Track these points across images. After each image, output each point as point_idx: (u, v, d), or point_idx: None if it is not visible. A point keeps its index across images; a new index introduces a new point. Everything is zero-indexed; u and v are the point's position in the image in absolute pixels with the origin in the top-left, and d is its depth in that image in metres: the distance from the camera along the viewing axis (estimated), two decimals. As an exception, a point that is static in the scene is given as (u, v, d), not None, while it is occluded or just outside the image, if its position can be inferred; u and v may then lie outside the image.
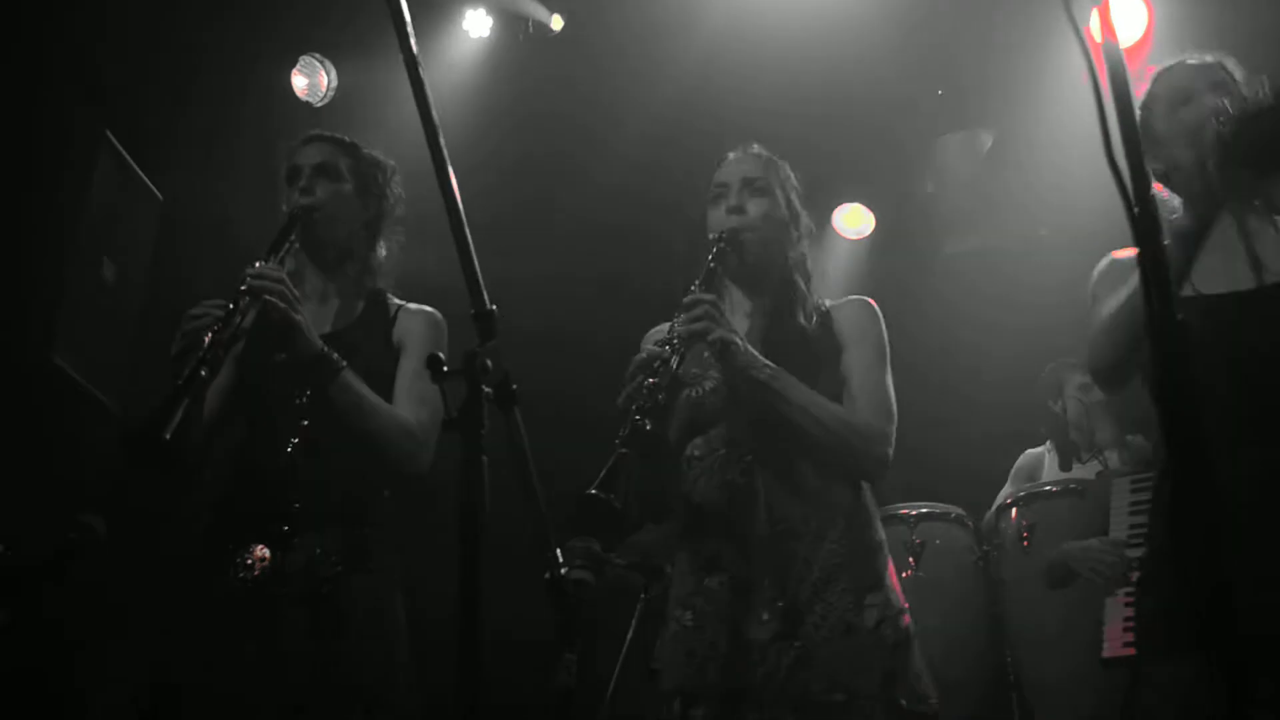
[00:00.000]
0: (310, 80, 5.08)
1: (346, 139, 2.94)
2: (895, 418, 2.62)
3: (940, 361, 5.82)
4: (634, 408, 2.35)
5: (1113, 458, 4.38)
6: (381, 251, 2.95)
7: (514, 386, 1.64)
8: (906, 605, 2.55)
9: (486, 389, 1.59)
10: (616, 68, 5.31)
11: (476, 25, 5.38)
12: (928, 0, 5.08)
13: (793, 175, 2.85)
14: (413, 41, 1.69)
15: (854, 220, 6.31)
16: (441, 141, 1.69)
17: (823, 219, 6.25)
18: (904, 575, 4.27)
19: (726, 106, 5.20)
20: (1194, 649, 2.04)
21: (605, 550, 2.76)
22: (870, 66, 5.30)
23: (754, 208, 2.73)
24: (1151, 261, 1.36)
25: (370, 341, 2.80)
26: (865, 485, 2.66)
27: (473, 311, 1.64)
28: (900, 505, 4.46)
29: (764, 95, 5.22)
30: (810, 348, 2.66)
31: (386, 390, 2.72)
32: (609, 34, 5.28)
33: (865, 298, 2.79)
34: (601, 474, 2.24)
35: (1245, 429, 2.18)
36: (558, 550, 1.69)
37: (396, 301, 2.91)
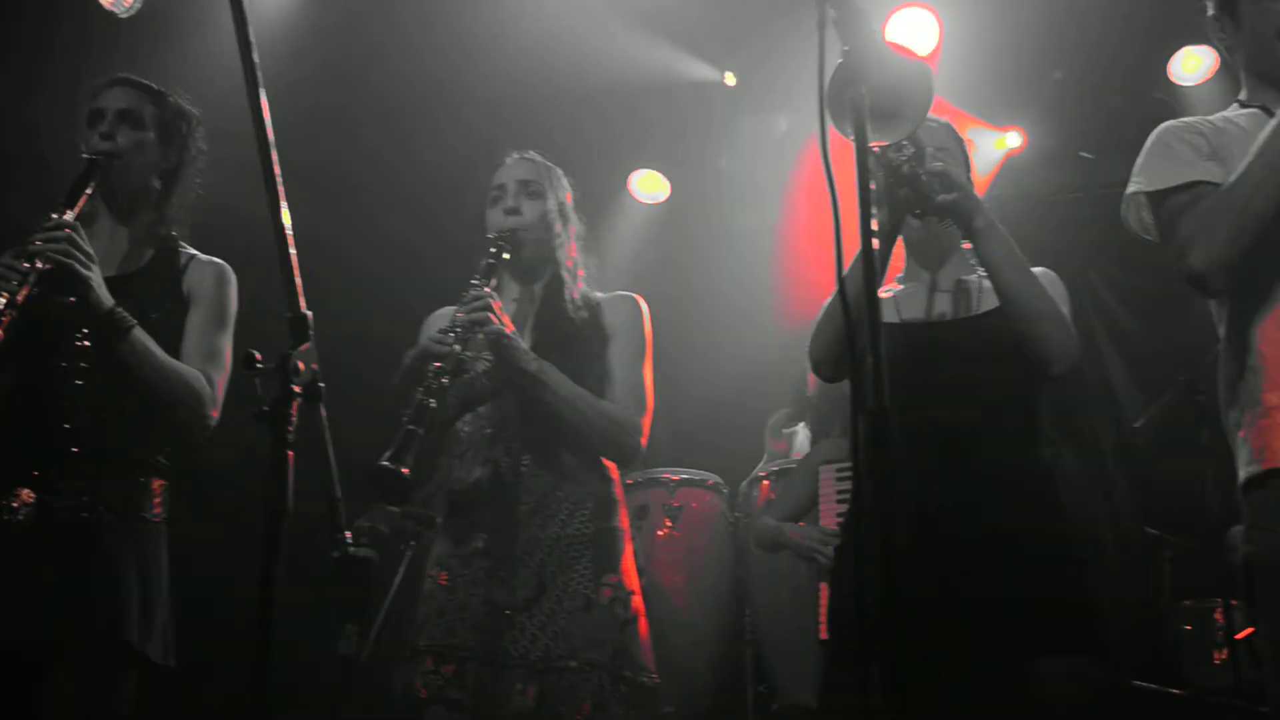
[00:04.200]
0: (116, -15, 4.90)
1: (154, 85, 2.93)
2: (649, 409, 2.90)
3: (718, 331, 6.16)
4: (421, 389, 2.57)
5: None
6: (178, 200, 2.95)
7: (321, 385, 1.79)
8: (637, 589, 2.83)
9: (296, 388, 1.74)
10: (425, 31, 5.33)
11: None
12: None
13: (567, 180, 3.10)
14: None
15: (650, 186, 6.56)
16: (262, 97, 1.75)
17: (621, 182, 6.50)
18: (660, 534, 4.60)
19: (537, 73, 5.36)
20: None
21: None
22: (676, 44, 5.55)
23: (529, 210, 2.98)
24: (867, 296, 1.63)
25: (158, 290, 2.82)
26: (614, 476, 2.92)
27: (288, 315, 1.77)
28: (663, 469, 4.75)
29: (574, 61, 5.41)
30: (577, 337, 2.91)
31: (173, 340, 2.75)
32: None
33: (633, 294, 3.05)
34: (392, 447, 2.45)
35: (923, 458, 2.47)
36: (346, 532, 1.87)
37: (189, 251, 2.93)
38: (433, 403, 2.57)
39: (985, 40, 5.64)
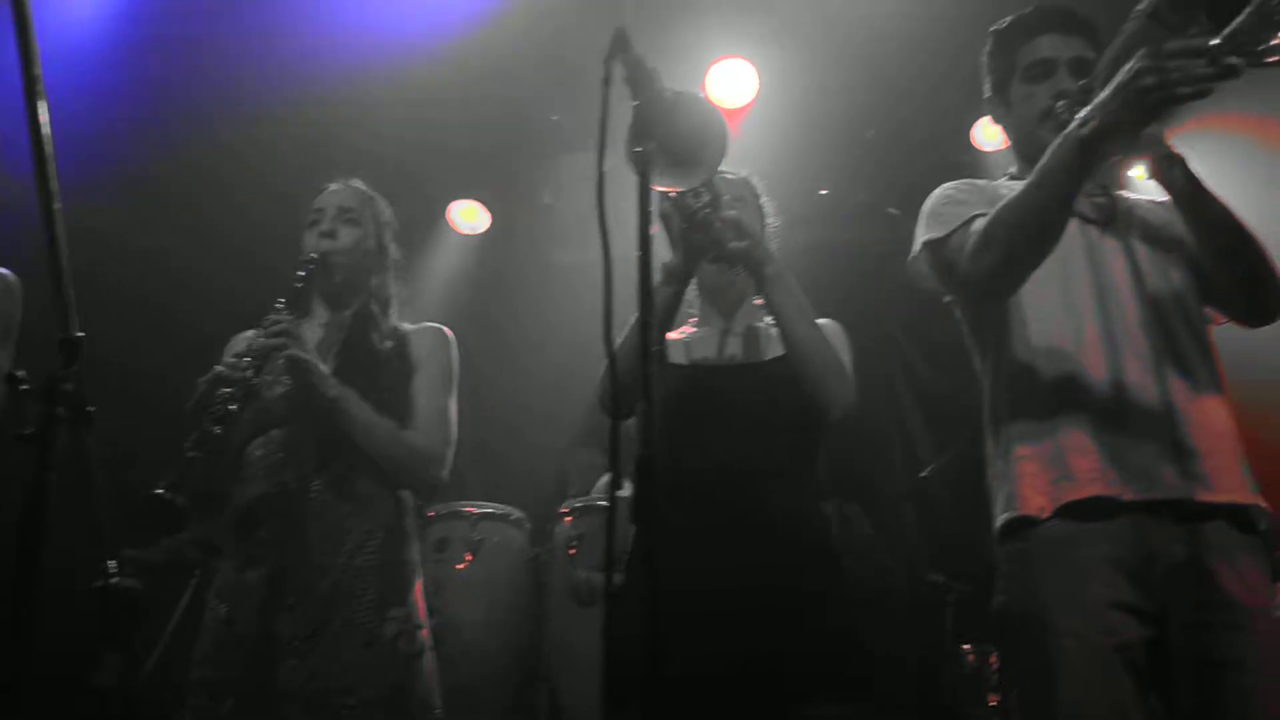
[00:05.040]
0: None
1: None
2: (453, 442, 2.89)
3: (532, 366, 6.17)
4: (207, 415, 2.51)
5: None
6: None
7: (90, 409, 1.74)
8: (425, 624, 2.81)
9: (61, 411, 1.69)
10: (251, 53, 5.23)
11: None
12: (560, 33, 5.35)
13: (388, 211, 3.09)
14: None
15: (469, 216, 6.56)
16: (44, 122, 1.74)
17: (440, 211, 6.49)
18: (459, 568, 4.57)
19: (362, 94, 5.33)
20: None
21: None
22: (504, 78, 5.57)
23: (345, 236, 2.96)
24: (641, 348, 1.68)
25: None
26: (409, 507, 2.90)
27: (60, 337, 1.73)
28: (465, 503, 4.73)
29: (397, 89, 5.40)
30: (382, 367, 2.89)
31: None
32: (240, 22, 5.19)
33: (441, 326, 3.05)
34: (169, 476, 2.38)
35: (704, 498, 2.57)
36: (110, 561, 1.82)
37: None
38: (218, 430, 2.52)
39: (802, 95, 5.82)
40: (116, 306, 4.36)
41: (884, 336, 6.30)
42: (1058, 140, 2.19)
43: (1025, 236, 2.22)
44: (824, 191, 6.46)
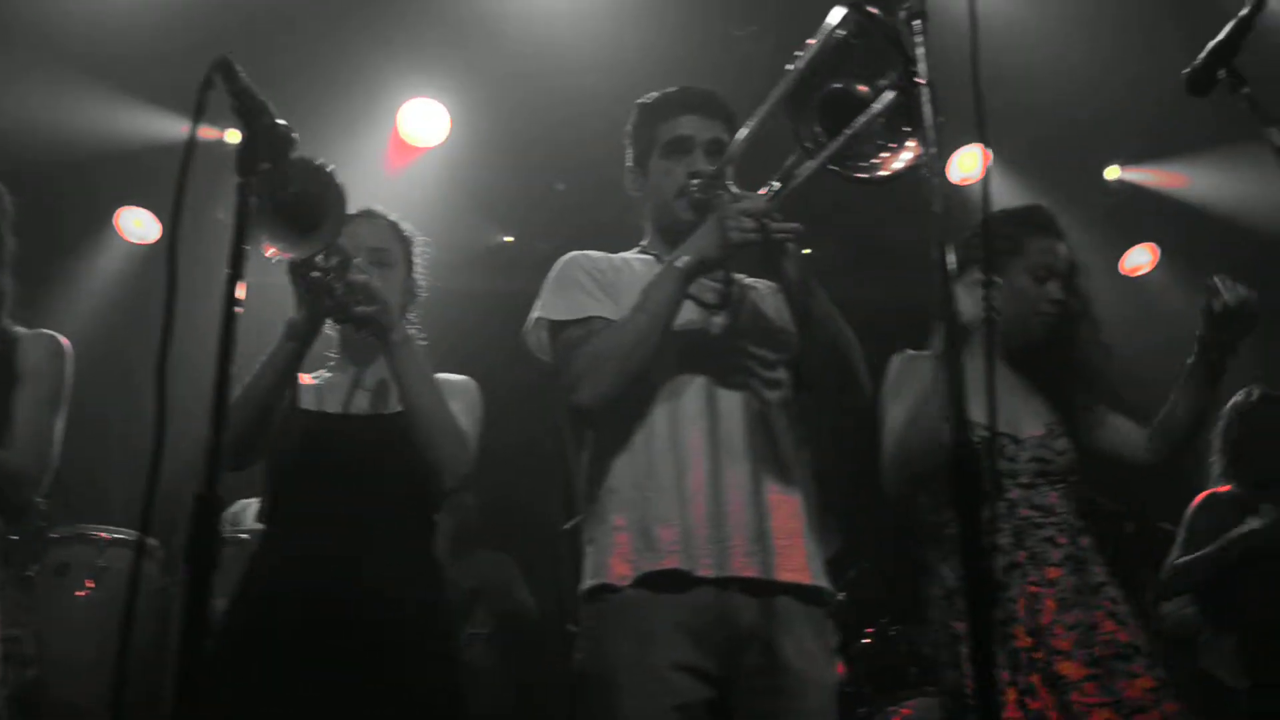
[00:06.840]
0: None
1: None
2: (53, 463, 2.71)
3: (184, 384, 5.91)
4: None
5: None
6: None
7: None
8: None
9: None
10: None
11: None
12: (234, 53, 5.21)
13: (7, 198, 2.87)
14: None
15: (138, 225, 6.29)
16: None
17: (108, 217, 6.18)
18: (79, 595, 4.28)
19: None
20: None
21: None
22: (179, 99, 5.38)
23: None
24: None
25: None
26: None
27: None
28: (97, 527, 4.43)
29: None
30: None
31: None
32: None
33: (57, 335, 2.85)
34: None
35: (318, 544, 2.54)
36: None
37: None
38: None
39: (494, 141, 5.86)
40: None
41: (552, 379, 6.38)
42: (660, 271, 2.36)
43: (630, 368, 2.36)
44: (508, 239, 6.52)
